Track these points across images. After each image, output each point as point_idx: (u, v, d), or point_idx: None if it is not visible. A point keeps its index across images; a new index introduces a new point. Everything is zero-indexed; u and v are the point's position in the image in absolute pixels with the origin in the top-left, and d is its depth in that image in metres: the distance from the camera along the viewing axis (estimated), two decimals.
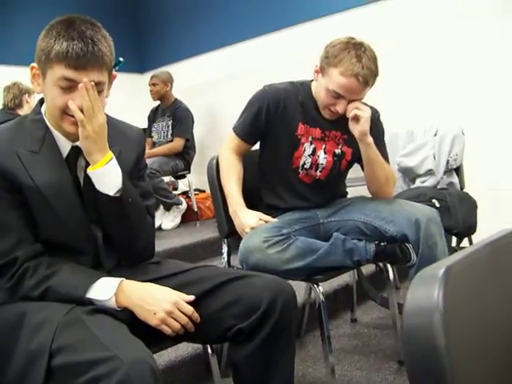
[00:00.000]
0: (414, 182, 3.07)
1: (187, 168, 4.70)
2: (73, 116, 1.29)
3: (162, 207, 4.53)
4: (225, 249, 2.20)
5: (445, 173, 2.97)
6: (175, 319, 1.29)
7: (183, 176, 4.81)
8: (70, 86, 1.28)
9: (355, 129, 1.97)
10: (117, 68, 1.39)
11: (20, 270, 1.30)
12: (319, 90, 2.02)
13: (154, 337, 1.30)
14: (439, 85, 3.74)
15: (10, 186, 1.30)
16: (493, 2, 3.54)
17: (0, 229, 1.32)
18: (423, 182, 2.98)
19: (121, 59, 1.38)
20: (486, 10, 3.56)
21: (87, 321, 1.17)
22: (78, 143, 1.38)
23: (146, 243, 1.54)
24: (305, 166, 2.09)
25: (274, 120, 2.06)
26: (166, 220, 4.53)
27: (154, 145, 4.79)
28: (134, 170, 1.50)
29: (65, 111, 1.31)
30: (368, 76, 1.88)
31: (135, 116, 4.94)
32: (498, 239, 0.83)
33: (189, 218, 4.69)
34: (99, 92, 1.30)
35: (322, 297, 1.91)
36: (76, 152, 1.40)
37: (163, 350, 1.44)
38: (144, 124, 4.89)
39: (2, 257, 1.30)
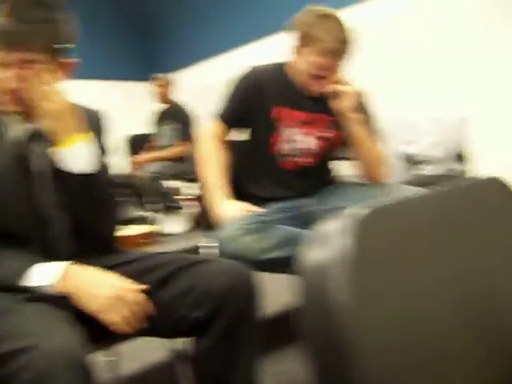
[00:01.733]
0: (415, 169, 2.93)
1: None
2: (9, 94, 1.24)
3: (164, 213, 4.48)
4: (208, 242, 2.07)
5: (447, 160, 2.84)
6: (121, 308, 1.17)
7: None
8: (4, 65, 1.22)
9: (337, 104, 1.86)
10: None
11: None
12: (297, 70, 1.90)
13: (104, 330, 1.18)
14: (441, 71, 3.65)
15: None
16: None
17: None
18: (425, 169, 2.85)
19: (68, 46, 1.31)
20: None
21: (16, 310, 1.09)
22: (34, 125, 1.32)
23: (110, 228, 1.47)
24: (285, 153, 1.96)
25: (254, 104, 1.95)
26: (170, 225, 4.44)
27: (159, 149, 4.72)
28: None
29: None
30: (343, 49, 1.78)
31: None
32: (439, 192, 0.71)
33: (199, 222, 4.59)
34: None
35: None
36: (31, 134, 1.32)
37: (114, 344, 1.33)
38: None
39: None
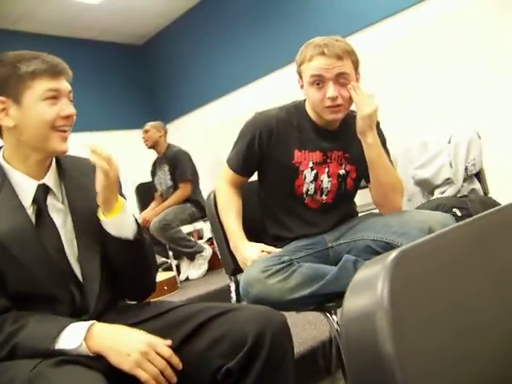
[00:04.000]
0: (432, 193, 2.89)
1: (204, 213, 4.49)
2: (62, 131, 1.32)
3: (185, 258, 4.44)
4: (232, 287, 2.06)
5: (465, 180, 2.79)
6: (152, 363, 1.17)
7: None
8: (55, 96, 1.30)
9: (358, 121, 1.84)
10: None
11: None
12: (309, 96, 1.90)
13: None
14: (449, 92, 3.64)
15: None
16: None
17: None
18: (442, 192, 2.80)
19: None
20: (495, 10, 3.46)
21: (52, 375, 1.07)
22: (43, 181, 1.35)
23: (153, 278, 1.55)
24: (309, 193, 1.96)
25: (267, 150, 1.95)
26: (191, 270, 4.42)
27: (161, 196, 4.67)
28: None
29: (53, 126, 1.30)
30: (337, 49, 1.79)
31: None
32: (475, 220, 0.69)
33: (216, 264, 4.53)
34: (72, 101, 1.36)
35: (337, 326, 1.75)
36: (44, 190, 1.35)
37: None
38: None
39: None
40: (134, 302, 1.53)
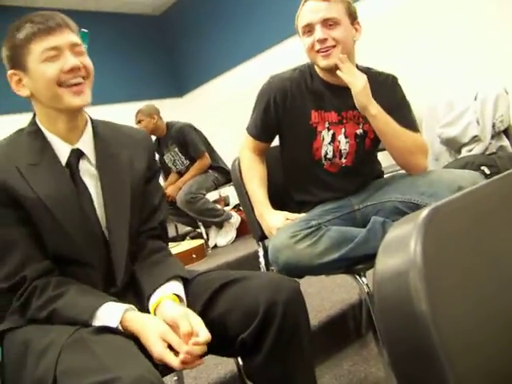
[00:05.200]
0: (459, 152, 2.83)
1: (227, 177, 4.41)
2: (72, 85, 1.28)
3: (214, 226, 4.45)
4: (261, 252, 2.07)
5: (493, 137, 2.72)
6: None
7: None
8: (55, 55, 1.27)
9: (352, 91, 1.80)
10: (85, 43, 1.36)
11: (28, 289, 1.24)
12: (304, 47, 1.87)
13: None
14: (474, 46, 3.52)
15: (12, 202, 1.25)
16: None
17: (6, 247, 1.26)
18: (470, 150, 2.74)
19: (84, 30, 1.37)
20: None
21: (91, 341, 1.09)
22: (77, 145, 1.35)
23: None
24: (327, 156, 1.94)
25: (284, 113, 1.93)
26: (219, 237, 4.42)
27: (179, 174, 4.60)
28: (147, 174, 1.48)
29: (61, 83, 1.27)
30: None
31: None
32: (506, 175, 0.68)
33: (245, 231, 4.55)
34: (83, 53, 1.32)
35: (367, 289, 1.75)
36: (77, 155, 1.35)
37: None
38: None
39: (11, 277, 1.25)
40: None
